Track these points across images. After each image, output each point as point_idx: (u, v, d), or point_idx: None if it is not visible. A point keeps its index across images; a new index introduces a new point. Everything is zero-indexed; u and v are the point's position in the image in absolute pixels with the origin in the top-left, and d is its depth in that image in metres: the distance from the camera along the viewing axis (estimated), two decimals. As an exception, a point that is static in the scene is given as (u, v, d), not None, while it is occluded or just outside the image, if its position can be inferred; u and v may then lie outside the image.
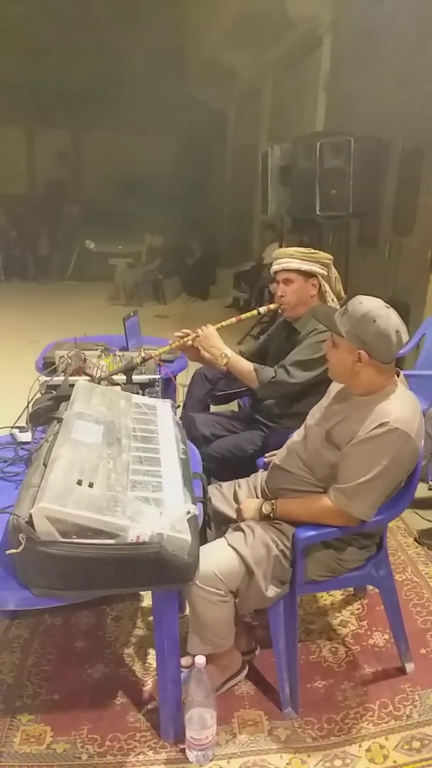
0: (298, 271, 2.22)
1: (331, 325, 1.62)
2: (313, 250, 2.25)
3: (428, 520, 2.73)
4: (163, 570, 1.29)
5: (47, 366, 2.36)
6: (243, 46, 8.74)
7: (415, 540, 2.59)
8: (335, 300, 2.28)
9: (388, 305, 1.59)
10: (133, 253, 9.78)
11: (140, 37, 10.80)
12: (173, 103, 12.13)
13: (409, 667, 1.87)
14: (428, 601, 2.19)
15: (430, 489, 3.00)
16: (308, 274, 2.22)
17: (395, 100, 5.23)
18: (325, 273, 2.25)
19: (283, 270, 2.23)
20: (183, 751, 1.61)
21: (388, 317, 1.55)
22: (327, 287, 2.27)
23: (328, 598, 2.23)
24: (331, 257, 2.25)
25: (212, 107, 12.16)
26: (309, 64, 7.61)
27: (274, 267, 2.27)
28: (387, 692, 1.81)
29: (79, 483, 1.33)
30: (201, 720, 1.56)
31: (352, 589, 2.23)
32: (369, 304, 1.57)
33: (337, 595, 2.24)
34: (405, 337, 1.56)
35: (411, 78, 4.97)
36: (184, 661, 1.74)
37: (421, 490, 2.71)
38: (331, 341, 1.65)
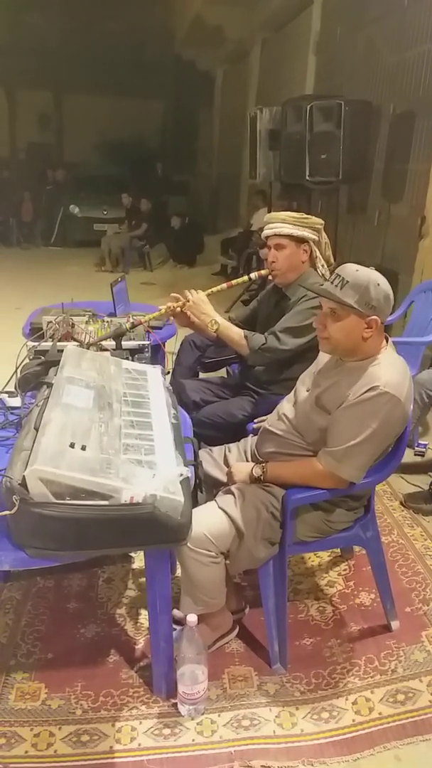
0: (290, 237, 2.19)
1: (335, 298, 1.57)
2: (305, 215, 2.22)
3: (414, 485, 2.78)
4: (156, 530, 1.31)
5: (34, 332, 2.33)
6: (231, 3, 8.48)
7: (401, 503, 2.64)
8: (325, 266, 2.27)
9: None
10: (119, 219, 9.60)
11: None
12: (159, 63, 11.79)
13: (395, 624, 1.93)
14: (413, 562, 2.25)
15: (416, 455, 3.05)
16: (300, 240, 2.19)
17: (386, 63, 5.13)
18: (316, 238, 2.22)
19: (275, 235, 2.20)
20: (175, 705, 1.65)
21: (384, 280, 1.57)
22: (318, 253, 2.25)
23: (315, 559, 2.27)
24: (322, 222, 2.23)
25: (199, 68, 11.81)
26: (299, 24, 7.41)
27: (266, 232, 2.24)
28: (373, 648, 1.87)
29: (72, 446, 1.33)
30: (193, 676, 1.60)
31: (339, 550, 2.28)
32: (366, 271, 1.58)
33: (324, 556, 2.29)
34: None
35: (402, 40, 4.86)
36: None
37: (407, 456, 2.74)
38: (332, 314, 1.59)
